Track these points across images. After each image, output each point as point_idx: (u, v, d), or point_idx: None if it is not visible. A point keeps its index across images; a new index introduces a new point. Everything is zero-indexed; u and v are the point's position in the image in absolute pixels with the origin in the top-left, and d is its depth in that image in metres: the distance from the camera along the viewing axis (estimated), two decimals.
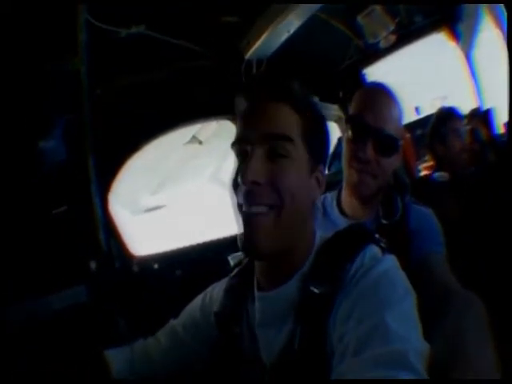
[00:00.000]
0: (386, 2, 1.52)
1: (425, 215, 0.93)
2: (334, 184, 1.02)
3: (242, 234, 0.59)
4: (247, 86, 0.68)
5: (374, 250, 0.58)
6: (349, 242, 0.60)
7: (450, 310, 0.66)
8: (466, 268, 0.86)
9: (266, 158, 0.57)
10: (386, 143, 0.89)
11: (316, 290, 0.55)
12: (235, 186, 0.59)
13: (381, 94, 0.92)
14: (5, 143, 1.08)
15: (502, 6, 1.19)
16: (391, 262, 0.57)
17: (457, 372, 0.51)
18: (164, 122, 1.56)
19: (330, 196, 1.06)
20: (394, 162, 0.93)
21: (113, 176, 1.39)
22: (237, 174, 0.59)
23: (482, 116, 2.02)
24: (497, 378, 0.52)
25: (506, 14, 0.96)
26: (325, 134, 0.66)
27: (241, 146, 0.59)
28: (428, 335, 0.48)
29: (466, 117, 1.89)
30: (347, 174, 0.94)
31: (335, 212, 1.01)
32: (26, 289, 1.07)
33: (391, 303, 0.48)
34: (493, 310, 0.64)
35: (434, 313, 0.63)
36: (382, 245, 0.60)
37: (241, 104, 0.63)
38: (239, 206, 0.59)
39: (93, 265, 1.22)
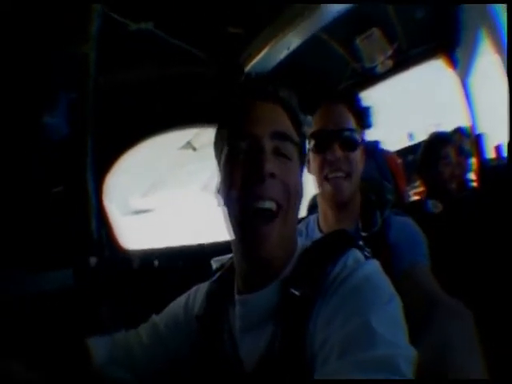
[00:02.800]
0: (392, 2, 1.52)
1: (406, 225, 0.94)
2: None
3: (248, 237, 0.58)
4: (247, 84, 0.70)
5: (357, 254, 0.58)
6: (332, 245, 0.60)
7: (435, 318, 0.65)
8: (451, 277, 0.85)
9: (273, 155, 0.59)
10: (349, 139, 0.97)
11: (297, 293, 0.55)
12: (239, 181, 0.58)
13: (336, 104, 1.00)
14: (8, 114, 1.07)
15: (503, 28, 1.19)
16: (374, 266, 0.56)
17: (444, 379, 0.51)
18: (161, 121, 1.58)
19: (313, 218, 1.09)
20: (358, 156, 0.99)
21: (108, 167, 1.40)
22: (247, 168, 0.58)
23: (469, 135, 2.04)
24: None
25: (506, 14, 0.97)
26: (305, 141, 0.70)
27: (248, 142, 0.59)
28: (414, 344, 0.47)
29: (450, 134, 1.91)
30: (322, 186, 0.98)
31: (316, 232, 1.04)
32: (15, 265, 1.05)
33: (376, 306, 0.47)
34: (479, 318, 0.63)
35: (420, 322, 0.63)
36: (366, 253, 0.59)
37: (235, 103, 0.65)
38: (243, 204, 0.58)
39: (82, 251, 1.22)
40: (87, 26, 1.09)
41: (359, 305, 0.48)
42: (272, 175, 0.56)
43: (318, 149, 0.98)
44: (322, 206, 1.03)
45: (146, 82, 1.48)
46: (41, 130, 1.13)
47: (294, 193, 0.60)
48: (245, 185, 0.57)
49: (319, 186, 1.00)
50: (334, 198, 0.96)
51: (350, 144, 0.97)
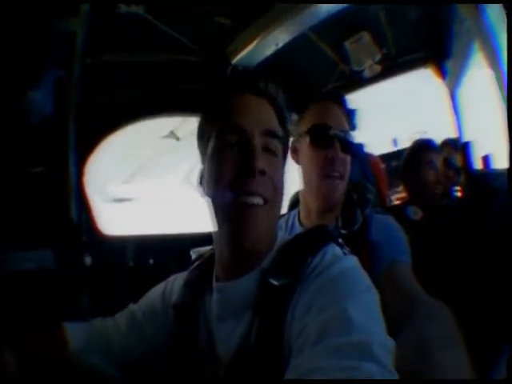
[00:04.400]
0: (388, 2, 1.51)
1: (387, 224, 0.94)
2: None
3: (234, 228, 0.58)
4: (236, 75, 0.69)
5: (335, 249, 0.58)
6: (311, 239, 0.60)
7: (416, 316, 0.65)
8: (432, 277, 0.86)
9: (262, 152, 0.59)
10: (347, 142, 0.97)
11: (275, 283, 0.55)
12: (229, 176, 0.58)
13: (333, 104, 1.00)
14: None
15: (497, 41, 1.19)
16: (353, 261, 0.57)
17: (424, 376, 0.50)
18: (145, 107, 1.57)
19: (293, 213, 1.08)
20: (349, 159, 0.99)
21: (90, 150, 1.39)
22: (237, 163, 0.57)
23: (459, 148, 2.05)
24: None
25: (506, 14, 0.96)
26: (289, 137, 0.70)
27: (238, 137, 0.59)
28: (394, 341, 0.46)
29: (439, 146, 1.93)
30: (318, 183, 0.96)
31: (297, 225, 1.03)
32: None
33: (352, 296, 0.47)
34: (460, 318, 0.63)
35: (400, 319, 0.63)
36: (345, 251, 0.59)
37: (224, 94, 0.64)
38: (231, 198, 0.57)
39: (61, 233, 1.19)
40: (78, 3, 1.07)
41: (336, 295, 0.48)
42: (262, 172, 0.57)
43: (317, 144, 0.96)
44: (305, 200, 1.02)
45: (132, 65, 1.46)
46: (24, 105, 1.10)
47: (280, 188, 0.61)
48: (234, 179, 0.57)
49: (312, 183, 0.98)
50: (327, 197, 0.95)
51: (348, 146, 0.97)
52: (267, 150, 0.60)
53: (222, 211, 0.59)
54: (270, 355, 0.52)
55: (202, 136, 0.65)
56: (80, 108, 1.21)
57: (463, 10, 1.33)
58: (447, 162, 1.91)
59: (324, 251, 0.56)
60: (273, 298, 0.54)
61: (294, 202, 1.14)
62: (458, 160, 2.03)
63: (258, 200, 0.57)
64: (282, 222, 1.08)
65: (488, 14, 1.21)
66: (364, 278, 0.53)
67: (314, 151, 0.96)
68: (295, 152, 1.02)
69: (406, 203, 1.73)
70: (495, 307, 1.08)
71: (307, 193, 1.01)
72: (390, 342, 0.44)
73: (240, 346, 0.57)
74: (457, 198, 2.02)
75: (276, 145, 0.61)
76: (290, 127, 0.88)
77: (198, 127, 0.67)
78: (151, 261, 1.51)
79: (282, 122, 0.65)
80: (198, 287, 0.69)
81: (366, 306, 0.47)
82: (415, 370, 0.51)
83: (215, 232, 0.63)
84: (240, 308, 0.59)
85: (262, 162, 0.57)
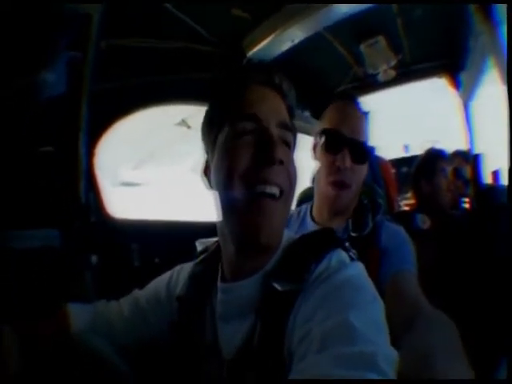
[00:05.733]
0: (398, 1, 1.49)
1: (397, 233, 0.94)
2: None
3: (247, 219, 0.55)
4: (252, 67, 0.69)
5: (341, 254, 0.57)
6: (317, 243, 0.59)
7: (418, 326, 0.65)
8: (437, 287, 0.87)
9: (280, 142, 0.58)
10: (361, 152, 0.95)
11: (278, 288, 0.54)
12: (246, 164, 0.56)
13: (352, 108, 0.98)
14: (6, 65, 1.04)
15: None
16: (359, 268, 0.55)
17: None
18: (159, 92, 1.58)
19: (305, 207, 1.09)
20: (364, 170, 0.98)
21: (101, 133, 1.40)
22: (256, 152, 0.56)
23: (469, 160, 2.04)
24: None
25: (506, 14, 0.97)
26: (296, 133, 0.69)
27: (255, 126, 0.58)
28: (396, 349, 0.45)
29: (449, 156, 1.92)
30: (324, 190, 0.96)
31: (308, 218, 1.04)
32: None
33: (357, 305, 0.46)
34: (464, 328, 0.63)
35: (403, 328, 0.62)
36: (352, 254, 0.58)
37: (239, 84, 0.63)
38: (248, 187, 0.56)
39: (69, 213, 1.20)
40: None
41: (340, 303, 0.47)
42: (281, 162, 0.56)
43: (327, 148, 0.95)
44: (318, 198, 1.02)
45: (147, 51, 1.47)
46: (36, 84, 1.11)
47: (295, 181, 0.60)
48: (252, 168, 0.56)
49: (319, 186, 0.98)
50: (331, 203, 0.96)
51: (361, 156, 0.95)
52: (283, 141, 0.59)
53: (234, 203, 0.57)
54: (270, 358, 0.52)
55: (211, 125, 0.64)
56: (93, 90, 1.21)
57: (480, 25, 1.33)
58: (456, 173, 1.91)
59: (330, 257, 0.56)
60: (276, 302, 0.54)
61: (303, 198, 1.16)
62: (467, 172, 2.02)
63: (275, 190, 0.56)
64: (294, 212, 1.08)
65: (503, 31, 1.21)
66: (369, 287, 0.52)
67: (324, 154, 0.96)
68: (314, 149, 1.01)
69: (414, 211, 1.72)
70: (497, 318, 1.08)
71: (317, 191, 1.02)
72: (394, 353, 0.43)
73: (242, 347, 0.57)
74: (465, 209, 2.01)
75: (290, 137, 0.61)
76: (302, 124, 0.88)
77: (205, 116, 0.66)
78: (155, 247, 1.51)
79: (291, 117, 0.64)
80: (202, 282, 0.68)
81: (370, 317, 0.46)
82: (416, 380, 0.51)
83: (221, 229, 0.62)
84: (243, 310, 0.59)
85: (280, 152, 0.56)
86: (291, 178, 0.59)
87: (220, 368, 0.59)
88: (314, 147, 1.01)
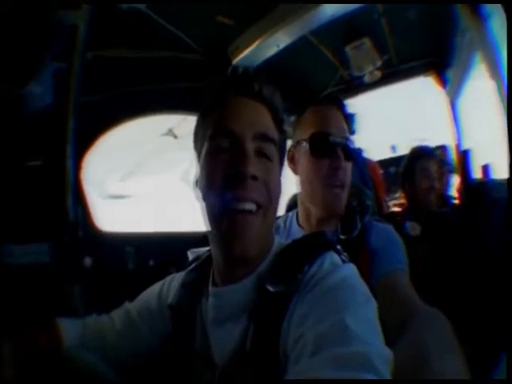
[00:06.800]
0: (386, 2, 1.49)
1: (386, 232, 0.93)
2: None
3: (224, 234, 0.56)
4: (231, 78, 0.66)
5: (334, 256, 0.57)
6: (309, 246, 0.59)
7: (412, 324, 0.64)
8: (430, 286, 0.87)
9: (255, 156, 0.57)
10: (350, 150, 0.95)
11: (271, 289, 0.54)
12: (220, 181, 0.56)
13: (331, 109, 0.97)
14: None
15: (499, 53, 1.19)
16: (351, 270, 0.55)
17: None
18: (145, 103, 1.57)
19: (291, 214, 1.07)
20: (350, 167, 0.97)
21: (88, 145, 1.39)
22: (229, 168, 0.56)
23: (459, 156, 2.07)
24: None
25: (505, 14, 0.97)
26: (286, 140, 0.68)
27: (230, 141, 0.57)
28: (390, 349, 0.45)
29: (433, 150, 1.93)
30: (322, 193, 0.94)
31: (295, 227, 1.02)
32: None
33: (351, 306, 0.47)
34: (458, 326, 0.62)
35: (397, 327, 0.62)
36: (343, 257, 0.58)
37: (218, 97, 0.62)
38: (222, 204, 0.56)
39: (58, 228, 1.18)
40: None
41: (334, 304, 0.47)
42: (254, 177, 0.55)
43: (318, 153, 0.93)
44: (304, 205, 1.00)
45: (132, 61, 1.46)
46: (22, 96, 1.08)
47: (275, 194, 0.59)
48: (225, 185, 0.55)
49: (315, 192, 0.95)
50: (331, 206, 0.94)
51: (350, 153, 0.95)
52: (261, 154, 0.58)
53: (213, 217, 0.58)
54: (264, 361, 0.51)
55: (197, 137, 0.64)
56: (79, 102, 1.19)
57: (466, 21, 1.33)
58: (440, 163, 1.91)
59: (322, 259, 0.56)
60: (269, 304, 0.53)
61: (292, 205, 1.13)
62: (449, 160, 2.06)
63: (250, 206, 0.55)
64: (280, 222, 1.07)
65: (491, 26, 1.21)
66: (362, 287, 0.52)
67: (315, 160, 0.94)
68: (292, 161, 0.99)
69: (403, 217, 1.71)
70: (493, 315, 1.08)
71: (308, 200, 0.99)
72: (388, 353, 0.44)
73: (235, 351, 0.56)
74: (454, 205, 2.02)
75: (270, 149, 0.59)
76: (288, 129, 0.87)
77: (195, 127, 0.66)
78: (147, 259, 1.51)
79: (278, 124, 0.63)
80: (194, 289, 0.68)
81: (364, 317, 0.46)
82: (412, 378, 0.50)
83: (210, 235, 0.62)
84: (236, 313, 0.58)
85: (254, 167, 0.55)
86: (270, 190, 0.58)
87: (212, 375, 0.58)
88: (292, 158, 0.99)
